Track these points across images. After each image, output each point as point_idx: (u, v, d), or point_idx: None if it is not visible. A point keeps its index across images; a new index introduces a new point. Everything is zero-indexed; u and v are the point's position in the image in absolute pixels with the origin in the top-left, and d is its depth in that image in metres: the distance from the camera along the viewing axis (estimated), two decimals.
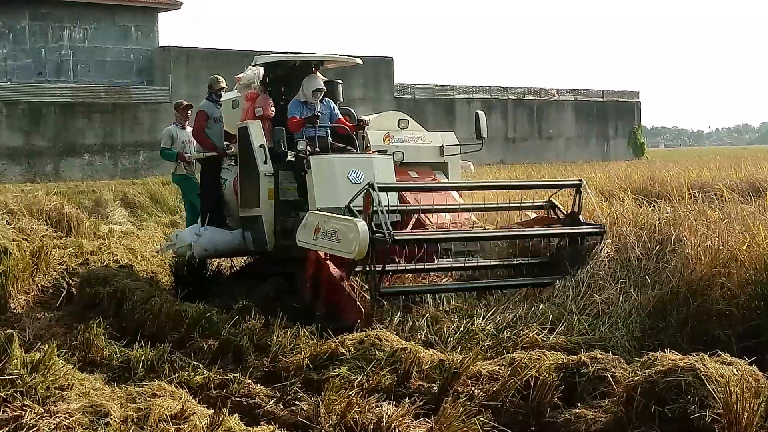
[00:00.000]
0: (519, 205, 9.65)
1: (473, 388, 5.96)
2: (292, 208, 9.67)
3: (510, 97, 38.14)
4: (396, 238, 7.91)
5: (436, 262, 8.89)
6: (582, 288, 7.97)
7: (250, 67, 10.72)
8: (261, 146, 9.79)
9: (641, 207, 9.46)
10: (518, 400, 5.73)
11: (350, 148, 10.11)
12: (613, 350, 6.64)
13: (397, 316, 7.89)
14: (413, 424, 5.43)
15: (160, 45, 31.90)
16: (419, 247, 8.73)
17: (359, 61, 11.43)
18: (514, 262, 9.01)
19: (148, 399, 5.53)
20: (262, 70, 10.53)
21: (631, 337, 7.11)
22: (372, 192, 8.05)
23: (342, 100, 11.02)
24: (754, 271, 7.10)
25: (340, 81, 11.32)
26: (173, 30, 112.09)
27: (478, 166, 16.90)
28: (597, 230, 8.79)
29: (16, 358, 5.43)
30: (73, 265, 11.59)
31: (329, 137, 10.04)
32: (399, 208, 9.13)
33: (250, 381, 6.44)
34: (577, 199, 9.07)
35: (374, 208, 7.99)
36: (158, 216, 18.49)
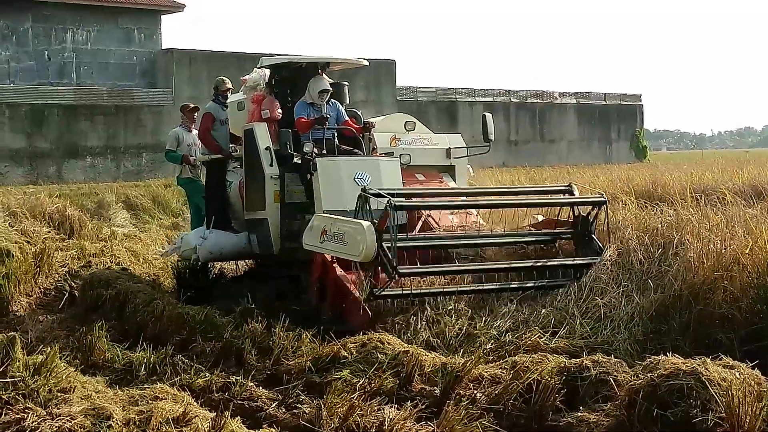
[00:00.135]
0: (540, 201, 9.53)
1: (475, 392, 5.95)
2: (298, 211, 9.62)
3: (512, 99, 38.17)
4: (401, 271, 7.79)
5: (445, 265, 8.74)
6: (584, 291, 7.93)
7: (255, 69, 10.63)
8: (267, 148, 9.71)
9: (644, 210, 9.43)
10: (520, 403, 5.73)
11: (357, 150, 10.06)
12: (616, 354, 6.61)
13: (399, 318, 7.87)
14: (415, 427, 5.42)
15: (162, 47, 31.96)
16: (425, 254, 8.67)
17: (365, 62, 11.35)
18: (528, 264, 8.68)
19: (150, 402, 5.52)
20: (267, 72, 10.42)
21: (633, 341, 7.08)
22: (390, 211, 7.76)
23: (348, 102, 10.97)
24: (757, 275, 7.09)
25: (347, 83, 11.24)
26: (176, 32, 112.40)
27: (480, 169, 16.88)
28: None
29: (19, 361, 5.44)
30: (75, 267, 11.60)
31: (336, 139, 10.00)
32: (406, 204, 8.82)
33: (252, 384, 6.42)
34: (595, 213, 8.73)
35: (388, 224, 7.76)
36: (161, 218, 18.46)
